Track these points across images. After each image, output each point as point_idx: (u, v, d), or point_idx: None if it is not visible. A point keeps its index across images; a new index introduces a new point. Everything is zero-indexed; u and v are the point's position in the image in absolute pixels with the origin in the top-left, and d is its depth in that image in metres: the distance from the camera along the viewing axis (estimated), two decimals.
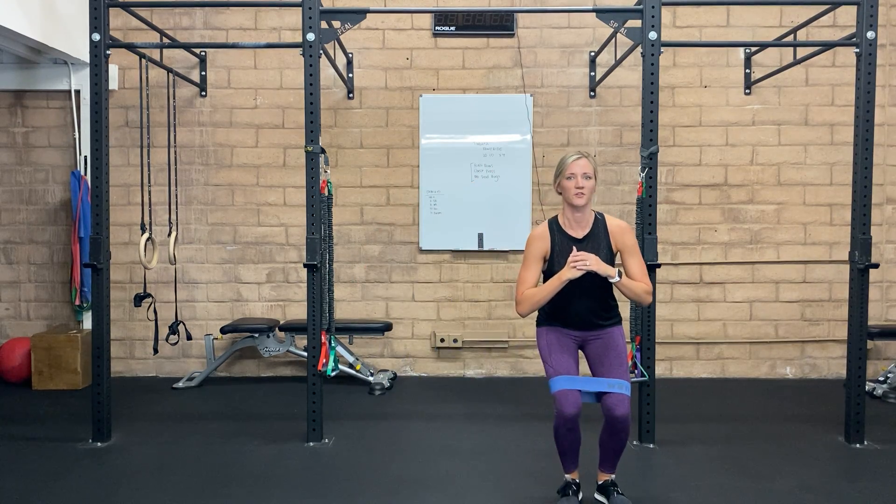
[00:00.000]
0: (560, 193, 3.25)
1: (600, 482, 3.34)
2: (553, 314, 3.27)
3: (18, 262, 5.91)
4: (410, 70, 5.84)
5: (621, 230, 3.27)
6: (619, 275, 3.12)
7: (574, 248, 3.17)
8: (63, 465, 3.90)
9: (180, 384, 5.55)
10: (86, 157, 5.59)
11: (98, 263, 4.17)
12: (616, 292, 3.25)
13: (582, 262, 3.06)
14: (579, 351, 3.33)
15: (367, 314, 5.90)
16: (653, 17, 4.06)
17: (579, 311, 3.22)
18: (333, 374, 4.28)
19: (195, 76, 5.78)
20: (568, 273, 3.08)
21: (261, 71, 5.84)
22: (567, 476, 3.34)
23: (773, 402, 5.19)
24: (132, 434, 4.38)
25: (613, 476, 3.33)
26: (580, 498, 3.33)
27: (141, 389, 5.47)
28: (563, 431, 3.15)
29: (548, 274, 3.25)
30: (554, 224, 3.29)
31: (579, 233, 3.24)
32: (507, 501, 3.45)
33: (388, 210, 5.87)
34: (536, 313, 3.33)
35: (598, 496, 3.34)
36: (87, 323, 5.68)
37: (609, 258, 3.24)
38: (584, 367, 3.31)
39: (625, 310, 5.66)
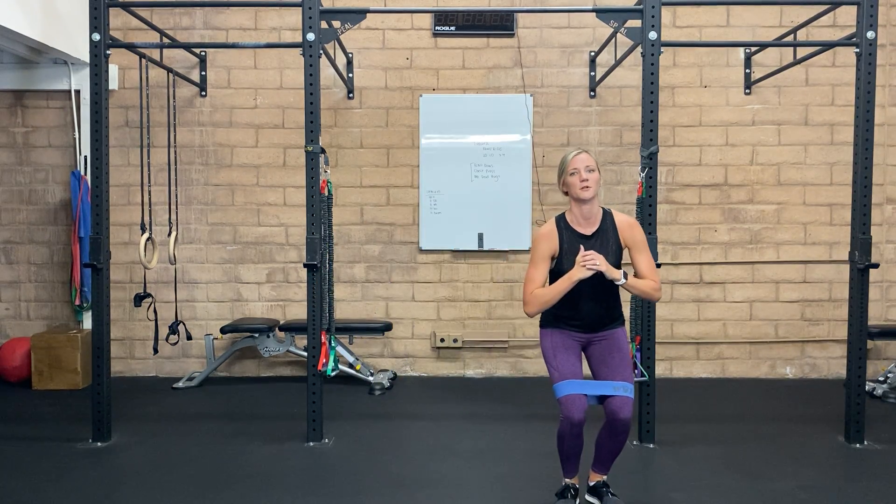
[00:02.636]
0: (566, 193, 3.23)
1: (592, 483, 3.32)
2: (558, 315, 3.24)
3: (18, 262, 5.91)
4: (410, 70, 5.84)
5: (630, 226, 3.25)
6: (625, 276, 3.11)
7: (582, 246, 3.14)
8: (63, 465, 3.90)
9: (180, 384, 5.55)
10: (86, 157, 5.59)
11: (98, 263, 4.17)
12: (622, 291, 3.25)
13: (591, 262, 3.04)
14: (581, 352, 3.31)
15: (367, 314, 5.90)
16: (653, 17, 4.06)
17: (585, 312, 3.20)
18: (333, 374, 4.29)
19: (195, 76, 5.78)
20: (578, 273, 3.06)
21: (261, 71, 5.84)
22: (566, 480, 3.32)
23: (773, 402, 5.19)
24: (132, 434, 4.38)
25: (605, 477, 3.32)
26: (578, 502, 3.31)
27: (141, 389, 5.47)
28: (569, 437, 3.12)
29: (555, 272, 3.21)
30: (561, 221, 3.25)
31: (588, 229, 3.21)
32: (506, 502, 3.45)
33: (388, 210, 5.87)
34: (544, 315, 3.30)
35: (589, 497, 3.33)
36: (87, 323, 5.68)
37: (618, 254, 3.21)
38: (584, 368, 3.29)
39: (624, 309, 5.65)
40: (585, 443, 3.23)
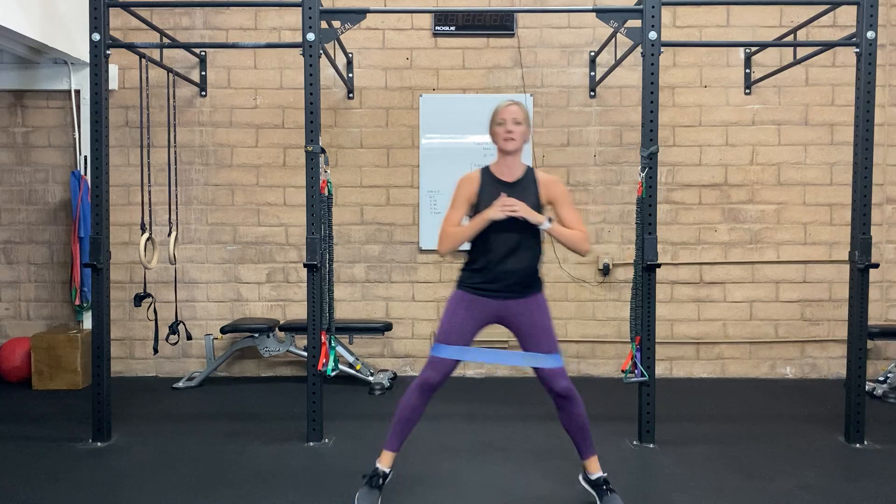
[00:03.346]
0: (494, 142, 3.23)
1: (593, 476, 3.27)
2: (476, 269, 3.18)
3: (18, 262, 5.91)
4: (410, 70, 5.84)
5: (551, 181, 3.24)
6: (550, 221, 3.09)
7: (503, 193, 3.12)
8: (63, 465, 3.90)
9: (180, 384, 5.55)
10: (86, 157, 5.59)
11: (98, 263, 4.16)
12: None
13: (510, 207, 3.03)
14: (503, 326, 3.23)
15: (367, 314, 5.90)
16: (653, 17, 4.06)
17: (506, 267, 3.13)
18: (333, 374, 4.28)
19: (195, 76, 5.78)
20: (491, 212, 3.04)
21: (261, 71, 5.84)
22: (380, 465, 3.27)
23: (773, 402, 5.19)
24: (132, 434, 4.38)
25: (602, 474, 3.26)
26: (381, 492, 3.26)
27: (141, 389, 5.47)
28: (415, 397, 3.13)
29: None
30: (485, 170, 3.27)
31: (509, 178, 3.21)
32: (506, 501, 3.45)
33: (388, 210, 5.87)
34: (460, 273, 3.25)
35: (585, 486, 3.30)
36: (87, 323, 5.68)
37: (537, 208, 3.17)
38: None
39: (623, 309, 5.66)
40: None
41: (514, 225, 3.07)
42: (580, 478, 3.34)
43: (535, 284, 3.22)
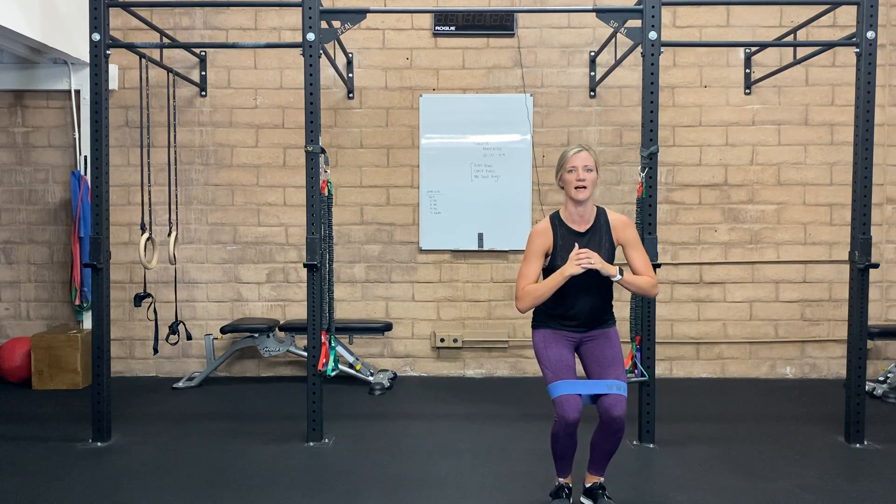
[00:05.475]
0: (562, 188, 3.23)
1: (588, 485, 3.30)
2: (552, 314, 3.23)
3: (18, 262, 5.91)
4: (410, 70, 5.84)
5: (623, 224, 3.26)
6: (621, 272, 3.10)
7: (577, 244, 3.14)
8: (63, 465, 3.90)
9: (180, 384, 5.55)
10: (86, 157, 5.59)
11: (98, 263, 4.17)
12: (616, 291, 3.24)
13: (586, 259, 3.03)
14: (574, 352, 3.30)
15: (367, 314, 5.90)
16: (653, 17, 4.06)
17: (580, 310, 3.19)
18: (333, 374, 4.28)
19: (195, 76, 5.78)
20: (570, 269, 3.05)
21: (261, 71, 5.84)
22: (560, 480, 3.30)
23: (773, 402, 5.19)
24: (132, 434, 4.38)
25: (602, 479, 3.30)
26: (572, 502, 3.31)
27: (141, 389, 5.47)
28: (563, 437, 3.12)
29: (549, 269, 3.21)
30: (556, 219, 3.26)
31: (582, 227, 3.22)
32: (506, 502, 3.45)
33: (388, 210, 5.87)
34: (532, 315, 3.30)
35: (584, 499, 3.30)
36: (87, 323, 5.68)
37: (611, 252, 3.22)
38: (578, 368, 3.29)
39: (623, 309, 5.67)
40: (579, 444, 3.21)
41: (588, 273, 3.09)
42: (581, 498, 3.33)
43: (608, 320, 3.28)
